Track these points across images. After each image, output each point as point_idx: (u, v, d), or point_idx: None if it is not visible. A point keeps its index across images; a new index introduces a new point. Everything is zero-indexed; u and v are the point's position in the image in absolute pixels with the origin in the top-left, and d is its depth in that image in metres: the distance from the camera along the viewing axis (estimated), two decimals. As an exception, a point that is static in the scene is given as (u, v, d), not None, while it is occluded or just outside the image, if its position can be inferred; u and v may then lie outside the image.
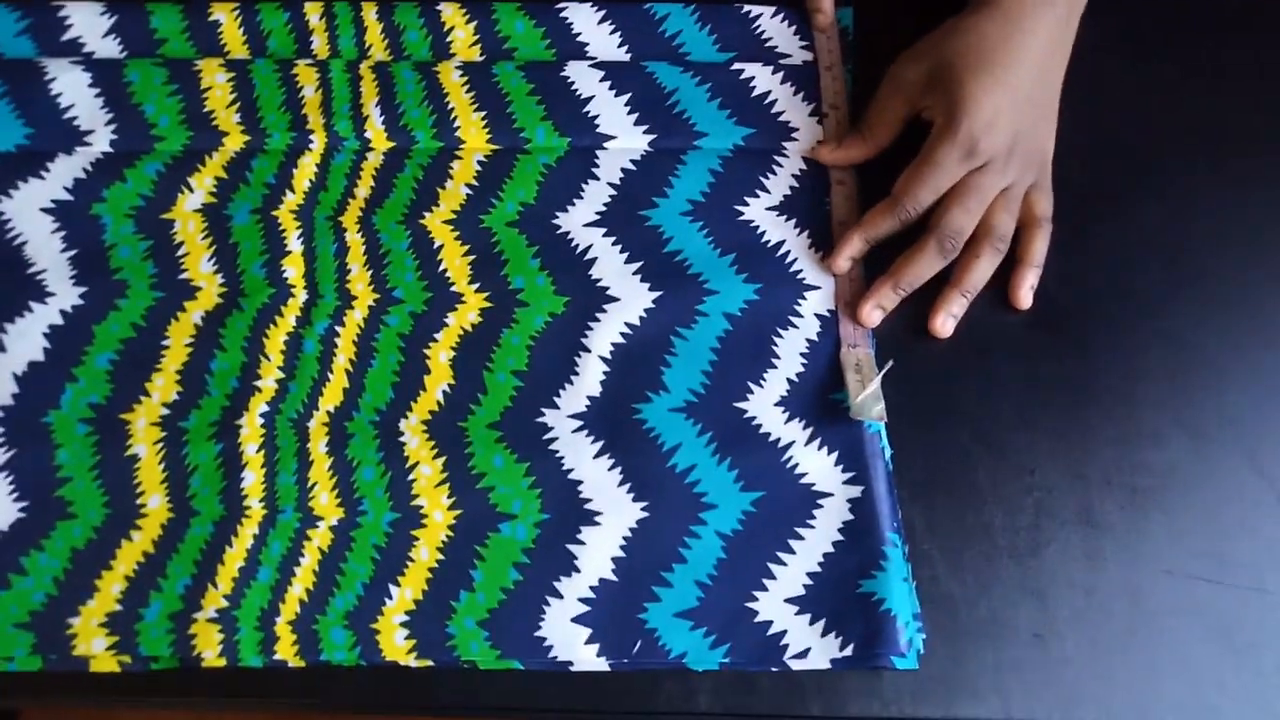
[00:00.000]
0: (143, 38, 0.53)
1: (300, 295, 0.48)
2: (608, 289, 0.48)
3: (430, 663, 0.41)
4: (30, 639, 0.41)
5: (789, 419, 0.45)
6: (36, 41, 0.52)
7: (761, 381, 0.46)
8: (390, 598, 0.42)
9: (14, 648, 0.41)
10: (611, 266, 0.49)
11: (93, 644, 0.41)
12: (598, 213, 0.50)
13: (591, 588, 0.42)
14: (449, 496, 0.44)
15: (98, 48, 0.53)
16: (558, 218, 0.50)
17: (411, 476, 0.44)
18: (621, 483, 0.44)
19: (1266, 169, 0.52)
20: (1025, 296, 0.48)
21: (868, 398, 0.44)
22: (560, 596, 0.42)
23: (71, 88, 0.51)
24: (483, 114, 0.52)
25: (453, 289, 0.48)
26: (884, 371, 0.45)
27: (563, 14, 0.54)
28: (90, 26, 0.53)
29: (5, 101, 0.51)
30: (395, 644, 0.41)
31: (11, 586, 0.42)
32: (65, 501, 0.44)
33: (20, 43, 0.52)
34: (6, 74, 0.51)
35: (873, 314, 0.47)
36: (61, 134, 0.50)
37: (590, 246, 0.49)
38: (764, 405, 0.46)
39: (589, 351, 0.47)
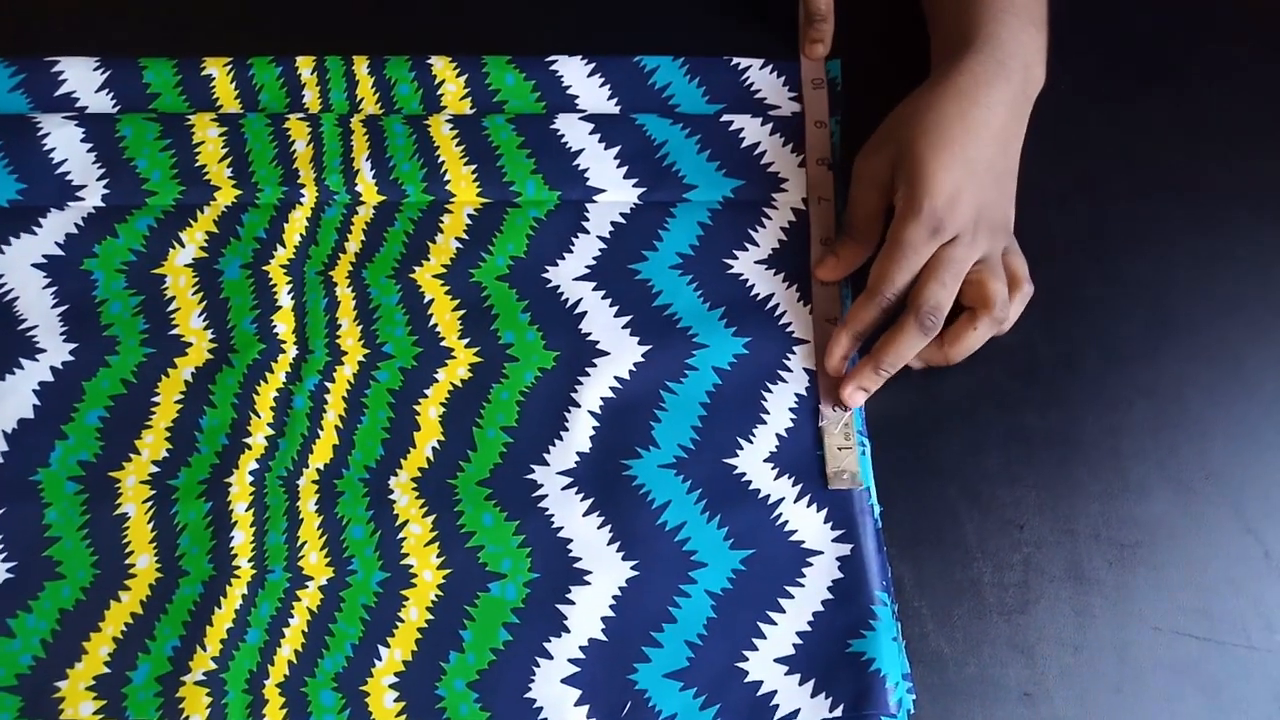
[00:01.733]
0: (135, 92, 0.53)
1: (290, 351, 0.48)
2: (597, 343, 0.48)
3: (419, 725, 0.41)
4: (17, 703, 0.41)
5: (778, 475, 0.46)
6: (30, 96, 0.53)
7: (751, 437, 0.46)
8: (380, 659, 0.42)
9: (1, 712, 0.41)
10: (601, 320, 0.49)
11: (80, 708, 0.41)
12: (588, 266, 0.50)
13: (581, 648, 0.42)
14: (438, 555, 0.44)
15: (91, 103, 0.53)
16: (548, 271, 0.50)
17: (401, 535, 0.44)
18: (611, 541, 0.44)
19: (1247, 220, 0.53)
20: (973, 344, 0.47)
21: (847, 465, 0.45)
22: (550, 657, 0.42)
23: (64, 143, 0.51)
24: (473, 167, 0.52)
25: (443, 344, 0.48)
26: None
27: (553, 67, 0.54)
28: (83, 81, 0.53)
29: (-2, 157, 0.51)
30: (385, 706, 0.41)
31: (-1, 649, 0.42)
32: (54, 561, 0.44)
33: (14, 98, 0.53)
34: (0, 129, 0.51)
35: (855, 395, 0.47)
36: (54, 189, 0.51)
37: (580, 300, 0.49)
38: (753, 461, 0.46)
39: (579, 406, 0.47)
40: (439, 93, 0.54)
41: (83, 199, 0.51)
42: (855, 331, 0.47)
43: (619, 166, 0.52)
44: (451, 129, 0.53)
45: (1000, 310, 0.46)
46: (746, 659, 0.42)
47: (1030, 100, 0.48)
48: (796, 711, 0.41)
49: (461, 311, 0.49)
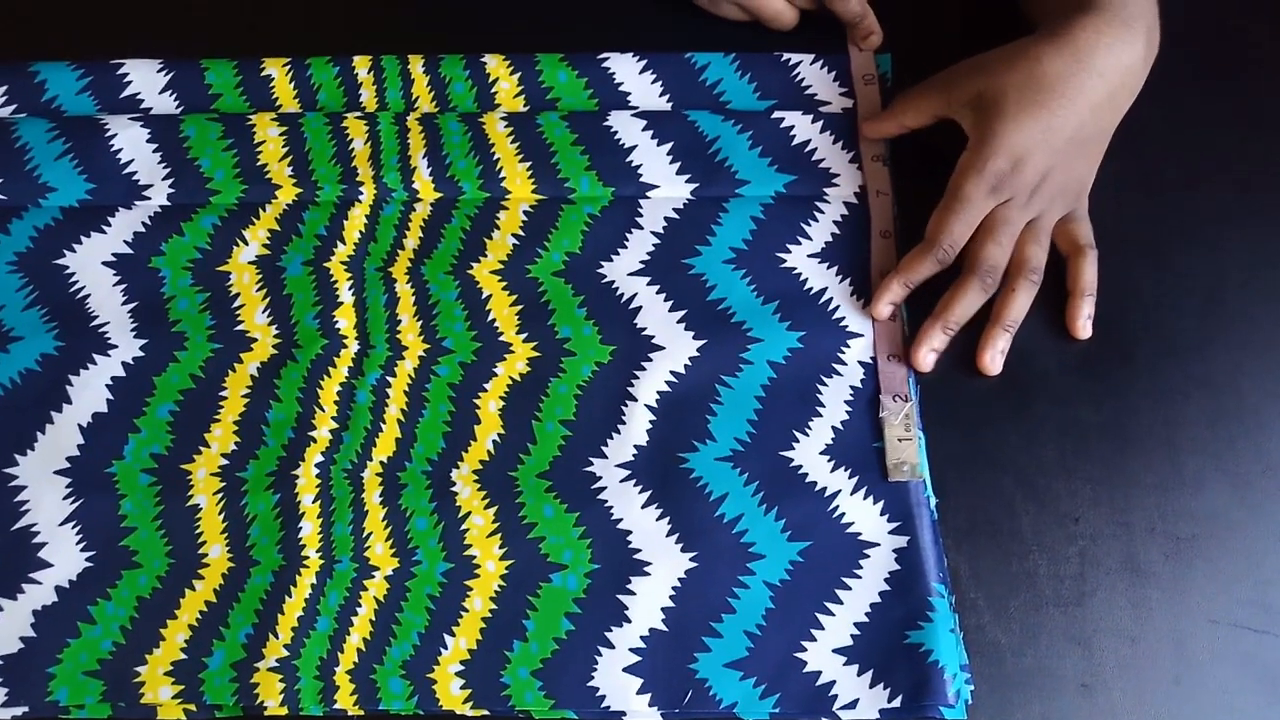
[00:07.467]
0: (198, 93, 0.54)
1: (352, 346, 0.49)
2: (653, 338, 0.49)
3: (486, 712, 0.42)
4: (100, 686, 0.42)
5: (835, 468, 0.46)
6: (96, 98, 0.54)
7: (807, 430, 0.47)
8: (445, 647, 0.43)
9: (84, 695, 0.42)
10: (656, 315, 0.50)
11: (159, 692, 0.42)
12: (642, 261, 0.51)
13: (642, 638, 0.43)
14: (501, 546, 0.45)
15: (155, 104, 0.54)
16: (603, 267, 0.51)
17: (464, 526, 0.45)
18: (670, 533, 0.45)
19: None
20: (1084, 327, 0.49)
21: (907, 456, 0.45)
22: (612, 646, 0.43)
23: (130, 143, 0.53)
24: (528, 164, 0.53)
25: (501, 339, 0.49)
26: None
27: (605, 64, 0.55)
28: (147, 83, 0.54)
29: (68, 158, 0.52)
30: (451, 693, 0.42)
31: (81, 635, 0.43)
32: (130, 551, 0.45)
33: (81, 100, 0.54)
34: (68, 131, 0.53)
35: (927, 357, 0.48)
36: (121, 189, 0.52)
37: (635, 295, 0.50)
38: (810, 454, 0.46)
39: (635, 400, 0.48)
40: (493, 90, 0.55)
41: (149, 198, 0.52)
42: (906, 280, 0.48)
43: (672, 163, 0.53)
44: (506, 126, 0.54)
45: (1033, 274, 0.48)
46: (805, 649, 0.43)
47: (1149, 66, 0.47)
48: (855, 701, 0.42)
49: (519, 307, 0.50)
